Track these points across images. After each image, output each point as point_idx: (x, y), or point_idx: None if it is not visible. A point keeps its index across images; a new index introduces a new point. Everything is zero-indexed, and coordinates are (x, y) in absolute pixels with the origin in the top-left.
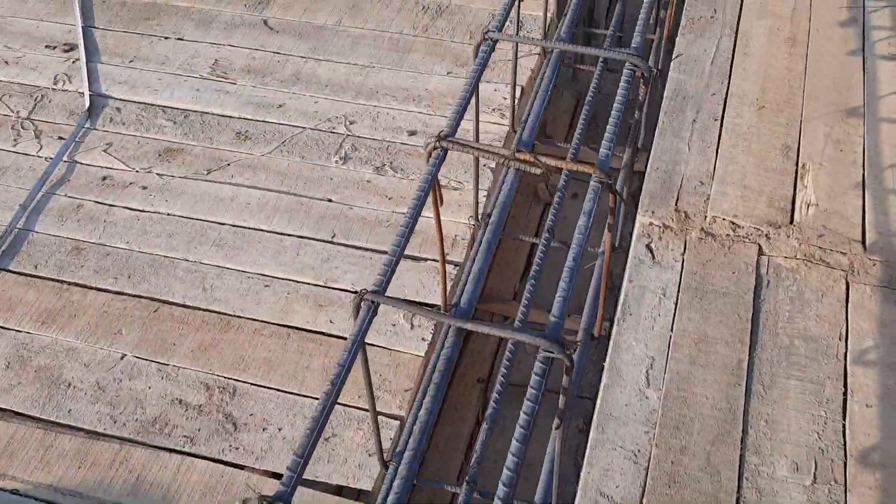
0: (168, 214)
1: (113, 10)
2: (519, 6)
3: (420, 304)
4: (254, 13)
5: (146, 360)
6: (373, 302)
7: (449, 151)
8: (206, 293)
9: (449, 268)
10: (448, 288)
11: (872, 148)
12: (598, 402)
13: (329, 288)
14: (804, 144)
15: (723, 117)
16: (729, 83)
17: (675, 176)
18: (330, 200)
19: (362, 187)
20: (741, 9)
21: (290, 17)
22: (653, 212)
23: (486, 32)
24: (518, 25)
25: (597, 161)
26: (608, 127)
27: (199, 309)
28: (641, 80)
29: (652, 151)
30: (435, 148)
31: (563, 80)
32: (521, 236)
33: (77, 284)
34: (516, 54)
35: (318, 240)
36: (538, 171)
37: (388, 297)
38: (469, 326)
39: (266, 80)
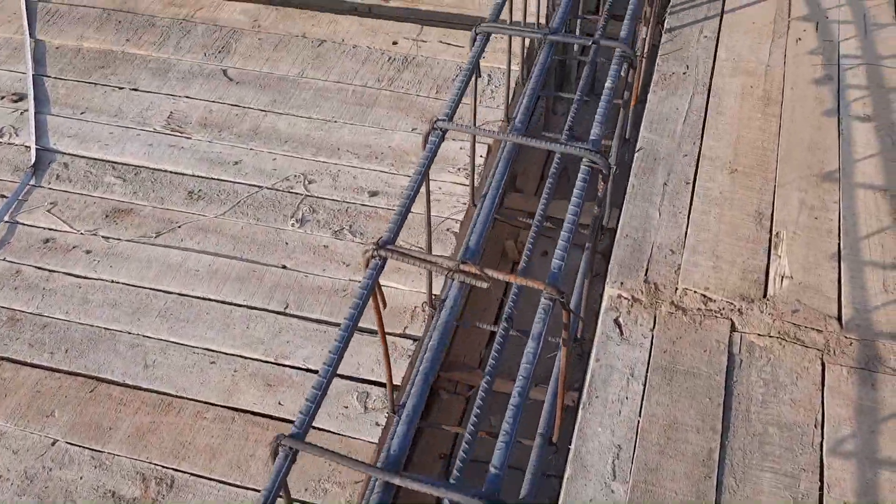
0: (112, 282)
1: (67, 57)
2: (476, 87)
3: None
4: (213, 62)
5: (79, 446)
6: (290, 448)
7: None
8: (148, 370)
9: (407, 342)
10: (407, 366)
11: (848, 216)
12: (562, 495)
13: (279, 365)
14: (778, 211)
15: (695, 181)
16: (701, 144)
17: (646, 244)
18: (284, 267)
19: (319, 253)
20: (714, 65)
21: (251, 67)
22: (622, 283)
23: (436, 122)
24: (475, 107)
25: (552, 267)
26: (562, 234)
27: (139, 388)
28: (601, 176)
29: (622, 217)
30: (373, 257)
31: (536, 128)
32: (478, 323)
33: (9, 360)
34: (474, 146)
35: (269, 311)
36: (483, 285)
37: (309, 444)
38: (397, 482)
39: (223, 135)
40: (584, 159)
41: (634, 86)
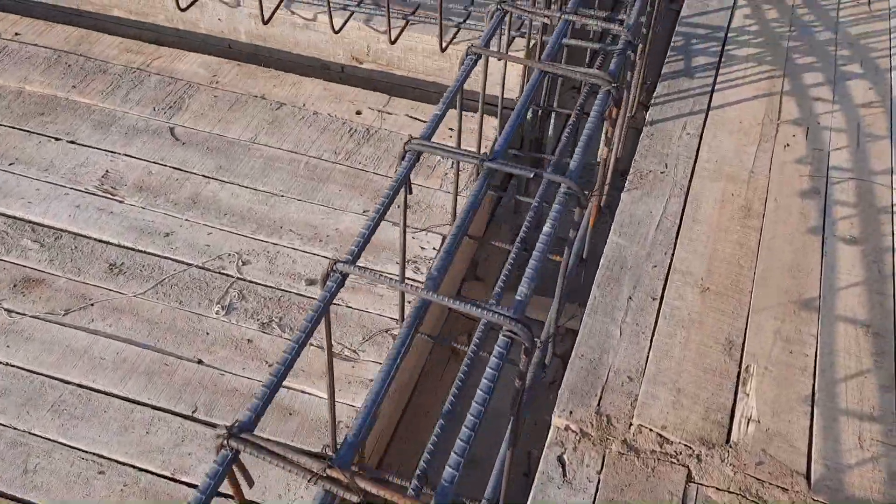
0: (6, 364)
1: (5, 100)
2: (406, 205)
3: None
4: (162, 118)
5: None
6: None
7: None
8: (27, 476)
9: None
10: None
11: (826, 352)
12: None
13: (176, 481)
14: (750, 341)
15: (662, 297)
16: (673, 255)
17: (602, 367)
18: (200, 362)
19: (241, 348)
20: (695, 166)
21: (201, 127)
22: (570, 412)
23: (336, 263)
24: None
25: None
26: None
27: (14, 498)
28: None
29: (580, 333)
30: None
31: (505, 210)
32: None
33: None
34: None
35: (175, 413)
36: (354, 501)
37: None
38: None
39: (158, 201)
40: (503, 328)
41: (591, 214)
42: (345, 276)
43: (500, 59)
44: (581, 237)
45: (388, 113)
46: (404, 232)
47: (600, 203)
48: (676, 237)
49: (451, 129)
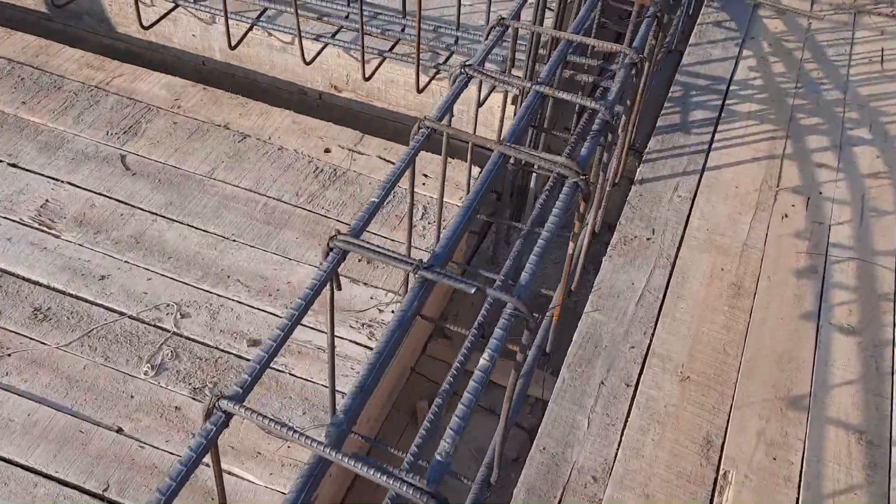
0: None
1: None
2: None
3: None
4: (114, 144)
5: None
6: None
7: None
8: None
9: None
10: None
11: (813, 461)
12: None
13: None
14: (730, 442)
15: (638, 384)
16: (653, 335)
17: (565, 464)
18: (119, 430)
19: (167, 416)
20: (684, 234)
21: (156, 157)
22: None
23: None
24: None
25: None
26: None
27: None
28: None
29: (543, 421)
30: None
31: (482, 259)
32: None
33: None
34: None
35: (84, 491)
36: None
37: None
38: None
39: (98, 239)
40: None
41: (553, 316)
42: (229, 415)
43: (456, 138)
44: (539, 345)
45: (360, 153)
46: (332, 343)
47: (563, 301)
48: (658, 315)
49: (426, 175)
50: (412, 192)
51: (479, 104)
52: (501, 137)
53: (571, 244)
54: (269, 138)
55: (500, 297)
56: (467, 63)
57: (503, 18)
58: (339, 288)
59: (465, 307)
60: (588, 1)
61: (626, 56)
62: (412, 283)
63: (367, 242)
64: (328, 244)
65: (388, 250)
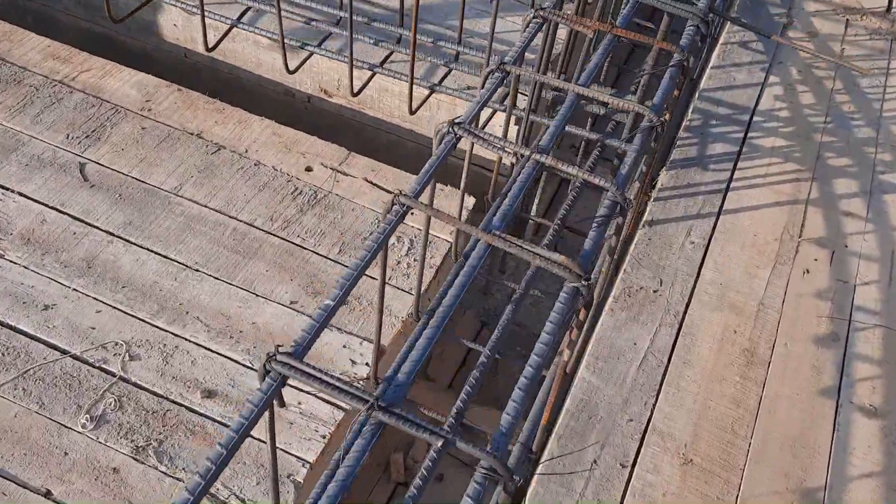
0: None
1: None
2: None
3: None
4: (74, 149)
5: None
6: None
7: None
8: None
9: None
10: None
11: None
12: None
13: None
14: None
15: (634, 464)
16: (655, 406)
17: None
18: (48, 494)
19: (102, 479)
20: (695, 287)
21: (119, 167)
22: None
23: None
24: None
25: None
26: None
27: None
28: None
29: None
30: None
31: (475, 288)
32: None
33: None
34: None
35: None
36: None
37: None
38: None
39: (45, 261)
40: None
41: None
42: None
43: (428, 214)
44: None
45: (344, 173)
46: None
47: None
48: (662, 382)
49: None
50: (384, 282)
51: (469, 163)
52: (484, 224)
53: (567, 351)
54: (246, 151)
55: (474, 454)
56: (456, 121)
57: (504, 63)
58: (283, 405)
59: (451, 347)
60: (602, 46)
61: (644, 116)
62: (364, 417)
63: (310, 367)
64: (264, 366)
65: (335, 380)
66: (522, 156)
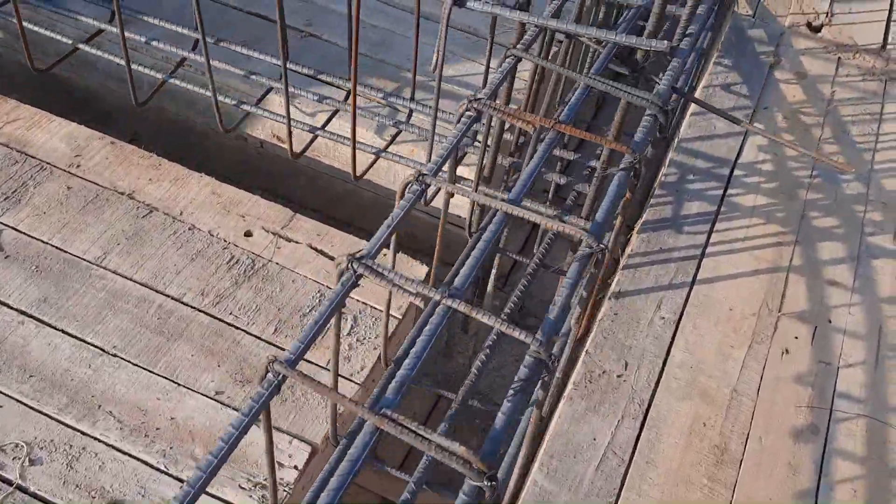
0: None
1: None
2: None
3: None
4: None
5: None
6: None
7: None
8: None
9: None
10: None
11: None
12: None
13: None
14: None
15: None
16: None
17: None
18: None
19: None
20: (663, 371)
21: (38, 234)
22: None
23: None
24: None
25: None
26: None
27: None
28: None
29: None
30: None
31: (435, 350)
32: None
33: None
34: None
35: None
36: None
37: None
38: None
39: None
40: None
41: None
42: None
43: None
44: None
45: (287, 239)
46: None
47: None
48: (622, 486)
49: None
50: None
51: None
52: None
53: (535, 412)
54: (181, 213)
55: None
56: (359, 256)
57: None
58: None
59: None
60: (544, 144)
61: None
62: None
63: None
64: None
65: None
66: (429, 300)
